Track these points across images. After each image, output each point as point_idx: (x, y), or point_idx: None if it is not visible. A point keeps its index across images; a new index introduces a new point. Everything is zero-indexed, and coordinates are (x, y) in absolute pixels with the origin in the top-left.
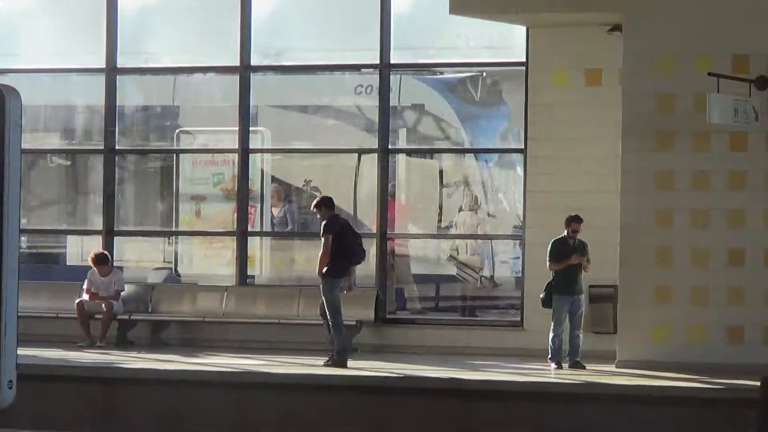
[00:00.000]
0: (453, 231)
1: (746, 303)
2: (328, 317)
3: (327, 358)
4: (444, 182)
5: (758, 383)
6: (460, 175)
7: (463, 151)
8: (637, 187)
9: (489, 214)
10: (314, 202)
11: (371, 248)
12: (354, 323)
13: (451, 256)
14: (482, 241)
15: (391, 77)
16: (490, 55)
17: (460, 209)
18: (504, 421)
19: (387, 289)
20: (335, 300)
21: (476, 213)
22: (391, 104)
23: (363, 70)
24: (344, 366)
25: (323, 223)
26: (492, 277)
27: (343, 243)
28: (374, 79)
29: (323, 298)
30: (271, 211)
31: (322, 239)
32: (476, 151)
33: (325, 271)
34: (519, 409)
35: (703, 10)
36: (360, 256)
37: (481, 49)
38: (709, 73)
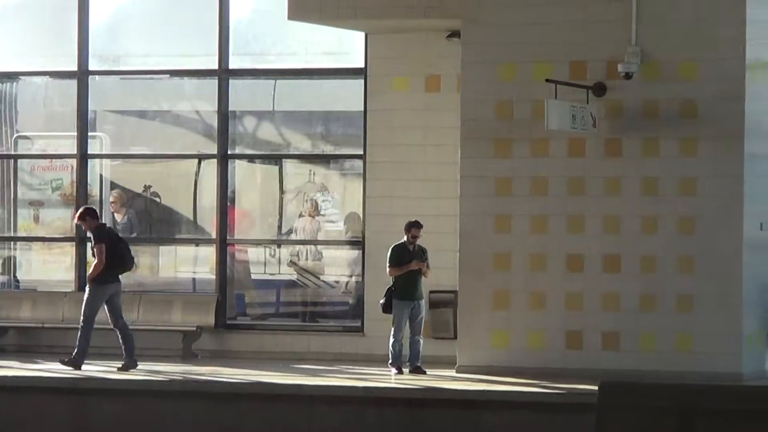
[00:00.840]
0: (293, 236)
1: (585, 308)
2: (82, 319)
3: (120, 365)
4: (284, 188)
5: (596, 388)
6: (300, 181)
7: (304, 157)
8: (476, 192)
9: (329, 220)
10: (78, 213)
11: (211, 254)
12: (194, 329)
13: (291, 261)
14: (322, 246)
15: (232, 82)
16: (329, 61)
17: (300, 215)
18: (348, 427)
19: (227, 294)
20: (96, 306)
21: (315, 219)
22: (230, 109)
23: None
24: (78, 368)
25: (96, 232)
26: (333, 282)
27: (114, 252)
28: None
29: (86, 302)
30: (114, 217)
31: (96, 248)
32: (316, 157)
33: (95, 278)
34: (362, 414)
35: (541, 17)
36: (130, 264)
37: (321, 55)
38: (546, 80)
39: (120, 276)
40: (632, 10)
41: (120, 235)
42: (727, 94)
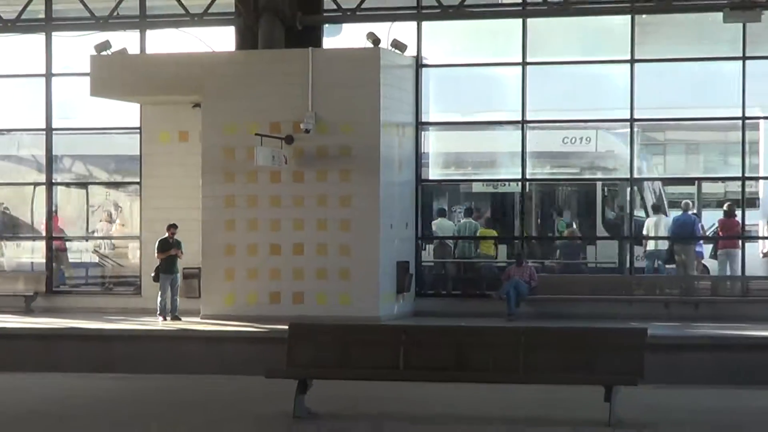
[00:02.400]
0: (96, 234)
1: (281, 278)
2: None
3: None
4: (90, 204)
5: (287, 327)
6: (100, 200)
7: (103, 183)
8: (212, 205)
9: (120, 224)
10: None
11: (43, 246)
12: (32, 294)
13: (95, 250)
14: (115, 240)
15: (55, 138)
16: (118, 122)
17: (100, 220)
18: (135, 357)
19: (52, 271)
20: None
21: (110, 223)
22: (54, 154)
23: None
24: None
25: None
26: (122, 263)
27: None
28: None
29: None
30: None
31: None
32: (110, 184)
33: None
34: (144, 348)
35: (251, 94)
36: None
37: (113, 117)
38: (255, 134)
39: None
40: (309, 89)
41: None
42: (369, 143)
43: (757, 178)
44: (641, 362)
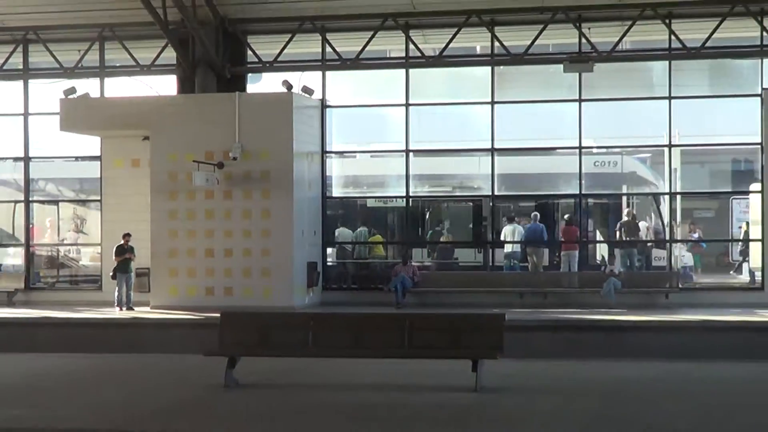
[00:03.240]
0: (66, 241)
1: (215, 276)
2: None
3: None
4: (60, 217)
5: (219, 315)
6: (69, 214)
7: (70, 201)
8: (159, 218)
9: (84, 233)
10: None
11: (22, 252)
12: (13, 290)
13: (65, 254)
14: (80, 246)
15: (32, 164)
16: (82, 152)
17: (69, 230)
18: (98, 340)
19: (30, 272)
20: None
21: (78, 232)
22: (31, 177)
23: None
24: None
25: None
26: (86, 264)
27: None
28: None
29: None
30: None
31: None
32: (76, 201)
33: None
34: (109, 333)
35: (189, 128)
36: None
37: (79, 148)
38: (193, 161)
39: None
40: (235, 125)
41: None
42: (284, 168)
43: (592, 195)
44: (501, 340)
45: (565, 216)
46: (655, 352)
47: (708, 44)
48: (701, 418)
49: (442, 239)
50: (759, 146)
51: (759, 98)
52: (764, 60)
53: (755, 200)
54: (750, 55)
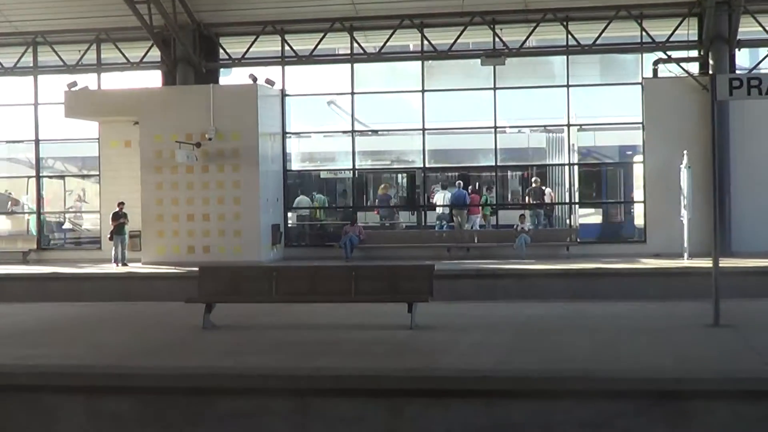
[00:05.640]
0: (72, 209)
1: (195, 236)
2: None
3: None
4: (67, 189)
5: (198, 268)
6: (74, 186)
7: (74, 175)
8: (148, 189)
9: (86, 201)
10: None
11: (34, 218)
12: (27, 250)
13: (71, 220)
14: (85, 213)
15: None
16: (83, 135)
17: (75, 200)
18: (99, 291)
19: (41, 234)
20: None
21: (81, 202)
22: (41, 156)
23: None
24: None
25: None
26: (89, 228)
27: None
28: None
29: None
30: None
31: None
32: (80, 176)
33: None
34: (107, 285)
35: (173, 114)
36: None
37: (82, 129)
38: (176, 141)
39: None
40: (211, 111)
41: None
42: (251, 146)
43: (505, 167)
44: (431, 286)
45: (469, 186)
46: (559, 294)
47: (598, 42)
48: (597, 345)
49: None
50: (641, 125)
51: (640, 86)
52: (644, 55)
53: (638, 169)
54: (632, 50)
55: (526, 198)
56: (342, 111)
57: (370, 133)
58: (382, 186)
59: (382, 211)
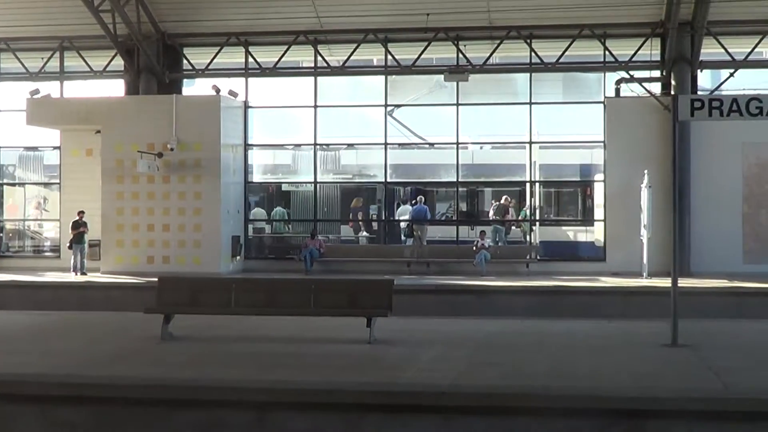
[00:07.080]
0: (30, 217)
1: (155, 247)
2: None
3: None
4: (26, 198)
5: (157, 279)
6: (34, 194)
7: (34, 184)
8: (108, 198)
9: (46, 210)
10: None
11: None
12: None
13: (29, 228)
14: (42, 221)
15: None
16: (45, 143)
17: (34, 208)
18: (57, 299)
19: (0, 241)
20: None
21: (41, 210)
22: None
23: None
24: None
25: None
26: (47, 236)
27: None
28: None
29: None
30: None
31: None
32: (41, 184)
33: None
34: (65, 294)
35: (135, 124)
36: None
37: (45, 139)
38: (138, 151)
39: None
40: (173, 121)
41: None
42: (213, 157)
43: (467, 183)
44: (390, 301)
45: (418, 197)
46: (517, 311)
47: (561, 60)
48: (556, 363)
49: (351, 216)
50: (602, 144)
51: (602, 105)
52: (606, 74)
53: (599, 188)
54: (595, 69)
55: (490, 214)
56: (304, 124)
57: (332, 147)
58: (355, 199)
59: (354, 225)
